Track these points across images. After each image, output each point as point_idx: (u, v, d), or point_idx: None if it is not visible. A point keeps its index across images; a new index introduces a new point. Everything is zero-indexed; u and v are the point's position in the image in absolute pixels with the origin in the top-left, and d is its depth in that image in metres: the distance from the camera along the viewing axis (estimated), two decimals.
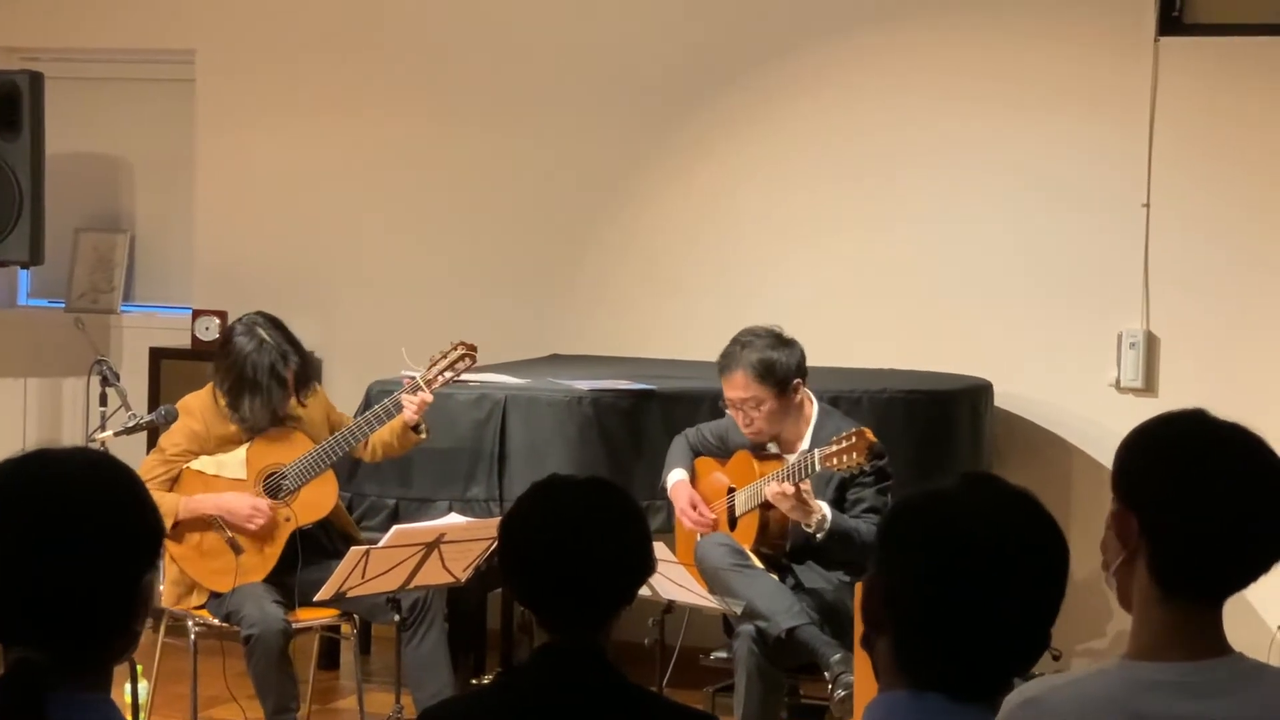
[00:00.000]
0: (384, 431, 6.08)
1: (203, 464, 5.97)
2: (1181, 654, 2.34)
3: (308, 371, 6.04)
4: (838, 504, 5.70)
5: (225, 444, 6.00)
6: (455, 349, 6.07)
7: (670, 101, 7.57)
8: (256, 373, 5.87)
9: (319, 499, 6.01)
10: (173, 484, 5.94)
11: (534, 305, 7.72)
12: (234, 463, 5.98)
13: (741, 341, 5.81)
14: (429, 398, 6.02)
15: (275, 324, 5.98)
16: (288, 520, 5.96)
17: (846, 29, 7.34)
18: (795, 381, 5.77)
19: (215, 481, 5.97)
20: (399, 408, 6.01)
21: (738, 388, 5.76)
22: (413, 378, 6.08)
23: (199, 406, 6.02)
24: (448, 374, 6.06)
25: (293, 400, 5.99)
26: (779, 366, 5.74)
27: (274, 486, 5.98)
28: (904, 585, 2.19)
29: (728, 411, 5.99)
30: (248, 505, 5.91)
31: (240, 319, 6.02)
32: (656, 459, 6.20)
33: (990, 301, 7.19)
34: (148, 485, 5.84)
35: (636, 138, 7.62)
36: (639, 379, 6.63)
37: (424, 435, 6.13)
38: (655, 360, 7.32)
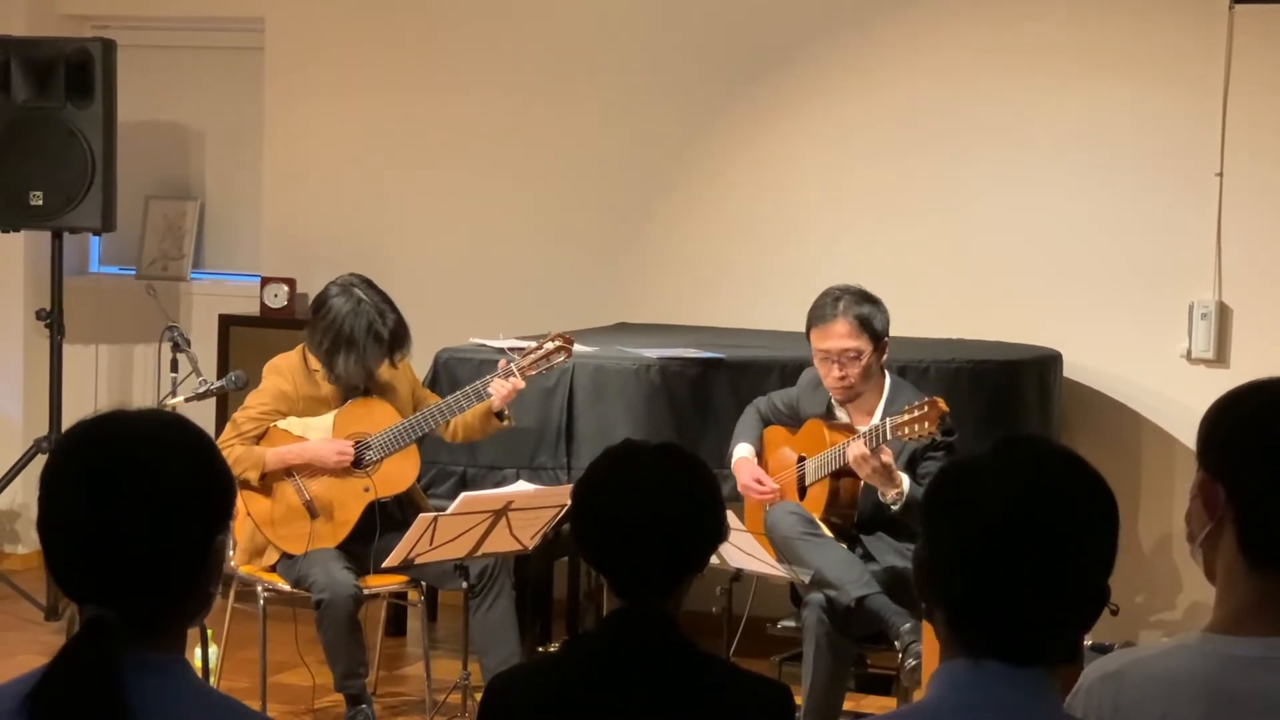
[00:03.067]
0: (467, 414, 6.07)
1: (289, 424, 6.00)
2: (1269, 628, 2.28)
3: (403, 331, 6.02)
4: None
5: (314, 405, 6.01)
6: (552, 339, 6.05)
7: (738, 70, 7.55)
8: (354, 331, 5.88)
9: (400, 473, 6.02)
10: (259, 440, 5.98)
11: (601, 274, 7.72)
12: (320, 427, 5.99)
13: (835, 295, 5.78)
14: (521, 384, 6.00)
15: (370, 284, 6.01)
16: (367, 490, 5.98)
17: (914, 1, 7.31)
18: (885, 339, 5.77)
19: (301, 443, 6.01)
20: (486, 391, 5.99)
21: (840, 337, 5.71)
22: (506, 352, 6.07)
23: (288, 367, 6.05)
24: (541, 364, 6.04)
25: (385, 364, 6.00)
26: (876, 319, 5.74)
27: (357, 456, 5.99)
28: (945, 556, 2.17)
29: (798, 384, 5.98)
30: (333, 450, 5.93)
31: (335, 280, 6.04)
32: (724, 427, 6.19)
33: (1061, 272, 7.15)
34: (235, 440, 5.90)
35: (703, 106, 7.60)
36: (707, 347, 6.62)
37: (507, 422, 6.12)
38: (723, 329, 7.31)
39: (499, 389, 5.96)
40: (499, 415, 6.07)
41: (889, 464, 5.50)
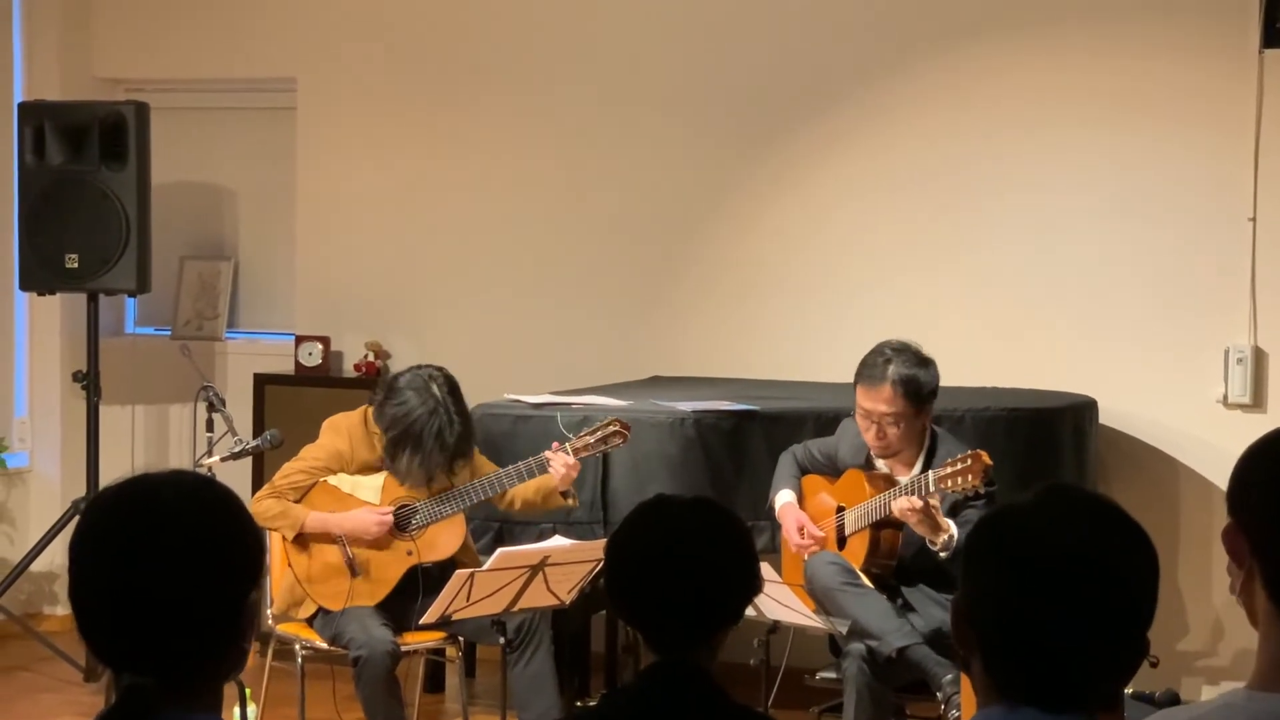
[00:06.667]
0: (528, 489, 6.04)
1: (339, 480, 5.99)
2: None
3: (467, 440, 5.96)
4: None
5: (366, 470, 6.01)
6: (610, 425, 6.01)
7: (770, 121, 7.56)
8: (423, 433, 5.83)
9: (445, 540, 6.00)
10: (305, 494, 5.98)
11: (634, 327, 7.72)
12: (370, 487, 5.99)
13: (886, 355, 5.73)
14: (577, 467, 5.95)
15: (450, 385, 5.93)
16: (409, 554, 5.97)
17: (946, 47, 7.30)
18: (930, 401, 5.74)
19: (348, 499, 5.99)
20: (542, 467, 5.95)
21: (882, 401, 5.68)
22: (562, 430, 6.03)
23: (347, 426, 6.04)
24: (597, 447, 5.99)
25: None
26: (923, 385, 5.69)
27: (404, 518, 5.99)
28: (985, 601, 2.17)
29: (837, 434, 5.96)
30: (372, 523, 5.93)
31: (417, 370, 5.96)
32: (759, 479, 6.18)
33: (1096, 318, 7.12)
34: (282, 489, 5.85)
35: (735, 159, 7.61)
36: (741, 399, 6.61)
37: (572, 501, 6.08)
38: (756, 380, 7.30)
39: (559, 470, 5.92)
40: (563, 494, 6.05)
41: (935, 508, 5.48)
